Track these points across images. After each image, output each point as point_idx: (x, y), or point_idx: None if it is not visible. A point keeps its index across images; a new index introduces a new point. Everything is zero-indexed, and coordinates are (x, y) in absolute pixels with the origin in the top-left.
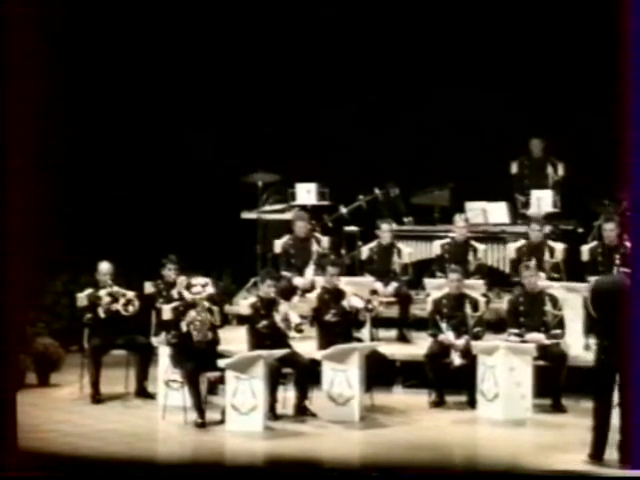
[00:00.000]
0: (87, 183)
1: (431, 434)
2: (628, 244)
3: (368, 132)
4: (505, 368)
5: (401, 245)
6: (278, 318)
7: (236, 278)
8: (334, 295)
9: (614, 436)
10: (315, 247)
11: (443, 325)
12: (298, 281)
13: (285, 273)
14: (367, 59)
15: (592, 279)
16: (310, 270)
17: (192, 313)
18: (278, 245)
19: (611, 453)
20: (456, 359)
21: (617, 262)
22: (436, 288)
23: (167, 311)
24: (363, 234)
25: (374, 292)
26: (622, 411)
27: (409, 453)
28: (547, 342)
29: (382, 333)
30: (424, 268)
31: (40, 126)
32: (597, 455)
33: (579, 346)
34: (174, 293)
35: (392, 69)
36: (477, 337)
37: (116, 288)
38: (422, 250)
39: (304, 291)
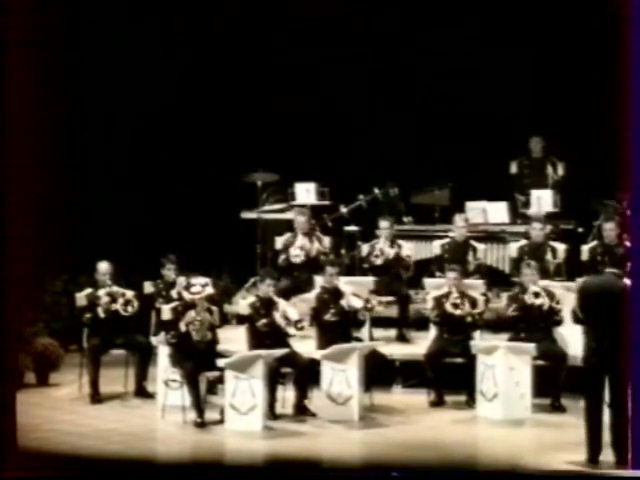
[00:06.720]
0: (87, 183)
1: (430, 434)
2: (628, 244)
3: (368, 132)
4: (504, 368)
5: (401, 242)
6: (277, 316)
7: (235, 278)
8: (333, 295)
9: (607, 436)
10: (316, 245)
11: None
12: (294, 252)
13: (283, 256)
14: (367, 58)
15: (580, 280)
16: (300, 239)
17: (191, 313)
18: (279, 242)
19: (607, 454)
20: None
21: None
22: (435, 288)
23: (166, 311)
24: (363, 234)
25: (373, 292)
26: (614, 411)
27: (408, 453)
28: None
29: (382, 333)
30: (424, 268)
31: (40, 126)
32: (593, 458)
33: (579, 346)
34: (174, 293)
35: (392, 69)
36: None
37: (115, 288)
38: (422, 250)
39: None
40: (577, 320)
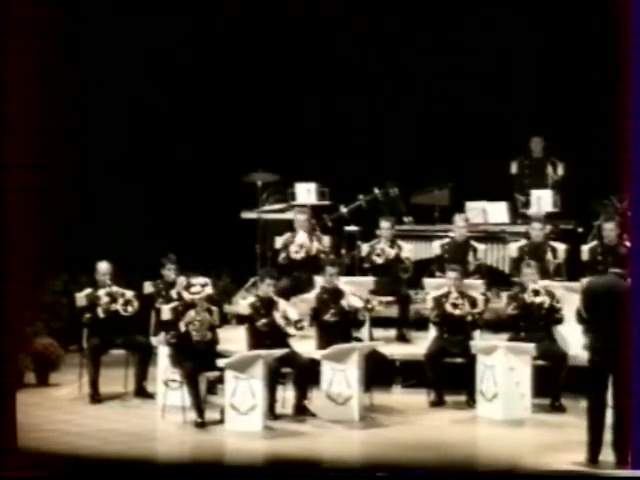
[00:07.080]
0: (87, 183)
1: (430, 434)
2: (628, 244)
3: (368, 132)
4: (504, 368)
5: (401, 244)
6: (278, 316)
7: (235, 278)
8: (333, 295)
9: (608, 436)
10: (316, 244)
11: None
12: (294, 249)
13: (283, 255)
14: (367, 59)
15: (584, 280)
16: (300, 237)
17: (191, 313)
18: (279, 241)
19: (607, 454)
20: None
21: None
22: (435, 288)
23: (166, 311)
24: (363, 234)
25: (373, 292)
26: (616, 411)
27: (408, 453)
28: None
29: (382, 333)
30: (424, 268)
31: (40, 126)
32: (593, 458)
33: (579, 346)
34: (173, 293)
35: (392, 69)
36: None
37: (115, 288)
38: (422, 250)
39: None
40: (581, 320)
